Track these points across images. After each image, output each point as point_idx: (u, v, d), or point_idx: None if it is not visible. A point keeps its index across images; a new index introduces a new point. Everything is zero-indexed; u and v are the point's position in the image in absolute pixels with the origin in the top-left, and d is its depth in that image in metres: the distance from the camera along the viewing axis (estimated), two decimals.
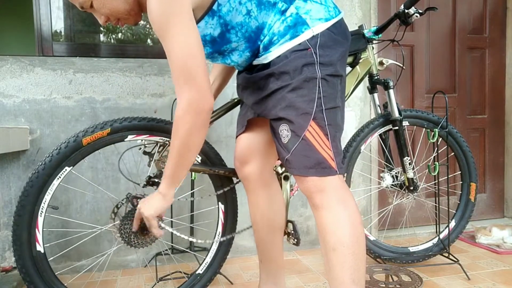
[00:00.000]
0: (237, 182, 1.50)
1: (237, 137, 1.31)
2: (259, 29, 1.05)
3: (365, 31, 1.65)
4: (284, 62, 1.02)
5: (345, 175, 1.72)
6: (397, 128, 1.74)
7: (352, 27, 2.11)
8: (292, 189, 1.59)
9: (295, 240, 1.47)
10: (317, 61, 1.02)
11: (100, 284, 1.76)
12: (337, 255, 1.00)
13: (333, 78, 1.05)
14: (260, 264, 1.39)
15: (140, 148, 1.37)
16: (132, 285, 1.73)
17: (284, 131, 1.04)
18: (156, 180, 1.36)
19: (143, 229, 1.27)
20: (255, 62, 1.12)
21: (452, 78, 2.58)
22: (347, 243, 1.00)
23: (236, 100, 1.45)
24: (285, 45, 1.03)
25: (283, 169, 1.53)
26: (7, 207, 1.81)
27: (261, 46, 1.07)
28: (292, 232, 1.48)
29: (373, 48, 1.68)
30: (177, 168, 1.05)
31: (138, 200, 1.34)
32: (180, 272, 1.74)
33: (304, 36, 1.02)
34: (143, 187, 1.37)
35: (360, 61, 1.62)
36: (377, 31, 1.66)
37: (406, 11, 1.58)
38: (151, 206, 1.12)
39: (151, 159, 1.38)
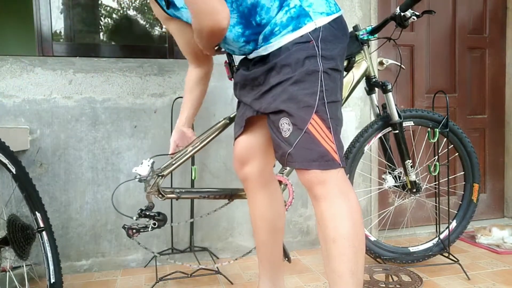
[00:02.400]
0: (228, 203, 1.54)
1: (235, 138, 1.29)
2: (253, 6, 1.03)
3: (360, 32, 1.61)
4: (286, 55, 1.02)
5: (347, 175, 1.72)
6: (397, 131, 1.73)
7: (351, 27, 2.10)
8: (285, 204, 1.59)
9: (286, 258, 1.49)
10: (319, 54, 1.01)
11: (100, 284, 1.76)
12: (337, 247, 1.00)
13: (334, 72, 1.04)
14: (259, 264, 1.39)
15: (135, 177, 1.35)
16: (132, 285, 1.73)
17: (285, 124, 1.03)
18: (148, 212, 1.36)
19: (26, 238, 1.30)
20: (253, 55, 1.10)
21: (452, 78, 2.58)
22: (347, 236, 1.00)
23: (227, 121, 1.44)
24: (286, 36, 1.03)
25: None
26: (7, 207, 1.80)
27: (260, 37, 1.06)
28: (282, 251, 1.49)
29: (368, 46, 1.64)
30: None
31: (134, 230, 1.36)
32: (180, 272, 1.74)
33: (307, 28, 1.02)
34: (136, 219, 1.37)
35: (355, 64, 1.60)
36: (372, 31, 1.62)
37: (403, 14, 1.50)
38: None
39: (146, 186, 1.38)
